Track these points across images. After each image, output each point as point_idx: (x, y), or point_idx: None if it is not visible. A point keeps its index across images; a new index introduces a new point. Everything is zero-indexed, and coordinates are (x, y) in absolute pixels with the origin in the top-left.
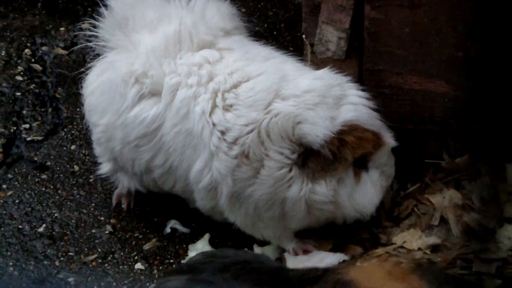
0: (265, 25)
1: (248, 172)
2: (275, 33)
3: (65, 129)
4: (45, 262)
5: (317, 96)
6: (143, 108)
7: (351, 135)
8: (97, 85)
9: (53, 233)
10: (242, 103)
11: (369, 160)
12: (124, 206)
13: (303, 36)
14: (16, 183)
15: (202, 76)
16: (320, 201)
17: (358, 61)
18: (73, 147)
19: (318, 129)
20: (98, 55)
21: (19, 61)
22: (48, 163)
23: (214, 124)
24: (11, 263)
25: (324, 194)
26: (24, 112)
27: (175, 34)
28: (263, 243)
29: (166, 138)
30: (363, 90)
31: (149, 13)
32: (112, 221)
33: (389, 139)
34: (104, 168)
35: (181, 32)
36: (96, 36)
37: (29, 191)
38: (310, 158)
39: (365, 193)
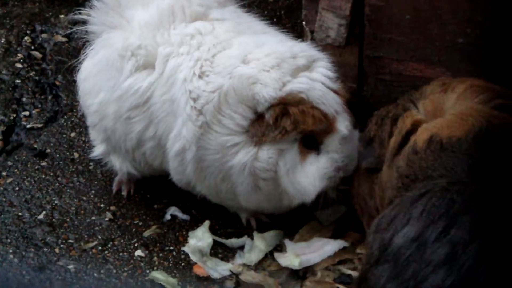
0: (265, 12)
1: (208, 140)
2: (275, 20)
3: (65, 117)
4: (45, 249)
5: (276, 58)
6: (137, 79)
7: (296, 107)
8: (93, 66)
9: (53, 220)
10: (213, 70)
11: (320, 143)
12: (124, 193)
13: (303, 23)
14: (16, 170)
15: (192, 46)
16: (261, 168)
17: (359, 48)
18: (73, 134)
19: (266, 90)
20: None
21: (18, 49)
22: (48, 151)
23: (190, 92)
24: (11, 251)
25: (264, 161)
26: (24, 99)
27: (168, 7)
28: (263, 229)
29: (155, 107)
30: (336, 73)
31: None
32: (112, 208)
33: (342, 127)
34: (98, 150)
35: (174, 5)
36: (90, 22)
37: (28, 179)
38: (255, 121)
39: (307, 174)
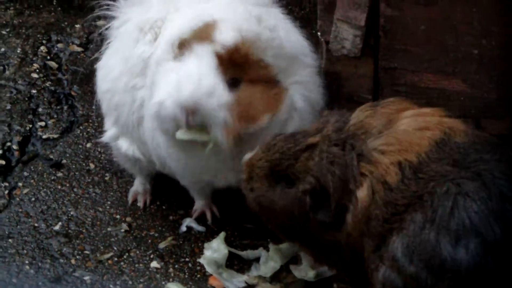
0: None
1: None
2: None
3: (81, 127)
4: (61, 261)
5: None
6: (147, 47)
7: None
8: (111, 49)
9: (69, 231)
10: None
11: None
12: (140, 204)
13: (319, 33)
14: (32, 181)
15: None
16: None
17: (374, 58)
18: (88, 145)
19: None
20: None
21: (34, 59)
22: (64, 161)
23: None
24: (27, 261)
25: None
26: (40, 109)
27: None
28: (278, 240)
29: (149, 72)
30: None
31: None
32: (128, 219)
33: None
34: (108, 134)
35: None
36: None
37: (45, 189)
38: None
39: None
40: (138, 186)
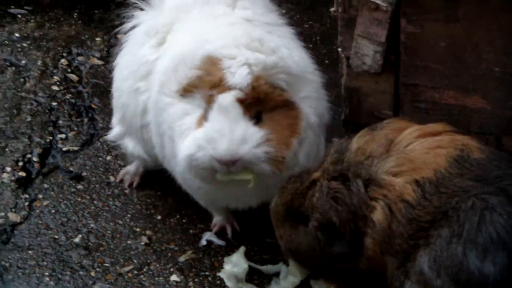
0: (301, 38)
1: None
2: (310, 46)
3: (101, 140)
4: (81, 273)
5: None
6: (151, 51)
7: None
8: (124, 48)
9: (89, 243)
10: None
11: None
12: (126, 184)
13: (339, 49)
14: (52, 193)
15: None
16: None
17: (394, 75)
18: (108, 157)
19: None
20: None
21: (55, 71)
22: (84, 174)
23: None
24: (47, 273)
25: None
26: (60, 122)
27: None
28: None
29: (153, 78)
30: None
31: None
32: (148, 232)
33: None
34: (113, 131)
35: None
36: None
37: (65, 201)
38: None
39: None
40: (131, 167)
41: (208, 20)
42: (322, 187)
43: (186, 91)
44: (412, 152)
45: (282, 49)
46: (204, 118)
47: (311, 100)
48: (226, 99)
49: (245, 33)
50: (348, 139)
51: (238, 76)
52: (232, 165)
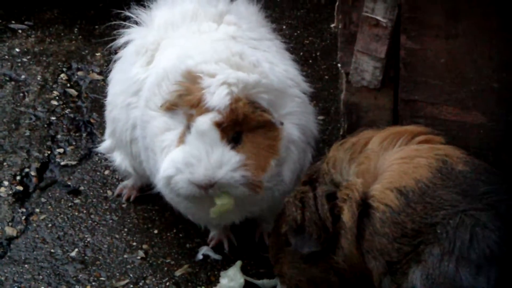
0: (301, 53)
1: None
2: (310, 61)
3: (99, 154)
4: (77, 287)
5: None
6: (142, 69)
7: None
8: (117, 64)
9: (85, 257)
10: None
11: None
12: (124, 198)
13: (339, 65)
14: (49, 207)
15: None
16: None
17: (394, 90)
18: (106, 172)
19: None
20: None
21: (54, 86)
22: (82, 188)
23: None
24: (43, 287)
25: None
26: (59, 136)
27: (192, 9)
28: None
29: (143, 95)
30: None
31: None
32: (144, 246)
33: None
34: (104, 144)
35: (197, 7)
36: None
37: (62, 215)
38: None
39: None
40: (129, 181)
41: (194, 36)
42: (293, 192)
43: (168, 108)
44: (386, 161)
45: (263, 64)
46: (184, 135)
47: (295, 116)
48: (204, 123)
49: (225, 48)
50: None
51: (217, 97)
52: (209, 188)
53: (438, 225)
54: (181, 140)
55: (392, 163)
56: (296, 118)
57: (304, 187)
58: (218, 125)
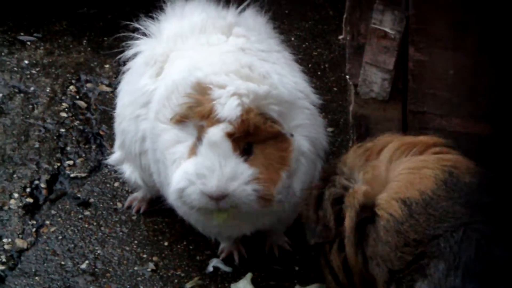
0: (309, 65)
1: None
2: (319, 73)
3: (109, 166)
4: None
5: None
6: (150, 81)
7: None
8: (126, 75)
9: (96, 269)
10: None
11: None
12: (134, 210)
13: (347, 76)
14: (59, 219)
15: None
16: None
17: (402, 102)
18: (116, 184)
19: None
20: None
21: (63, 98)
22: (91, 200)
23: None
24: None
25: None
26: (68, 148)
27: (200, 21)
28: (305, 281)
29: (152, 107)
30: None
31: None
32: (155, 258)
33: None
34: (114, 156)
35: (206, 20)
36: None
37: (72, 228)
38: None
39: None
40: (139, 193)
41: (203, 48)
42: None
43: (179, 121)
44: (394, 171)
45: (273, 75)
46: (195, 146)
47: (304, 128)
48: (216, 134)
49: (235, 59)
50: None
51: (228, 108)
52: (221, 199)
53: (441, 237)
54: (193, 152)
55: (400, 173)
56: (305, 130)
57: (318, 183)
58: (230, 136)
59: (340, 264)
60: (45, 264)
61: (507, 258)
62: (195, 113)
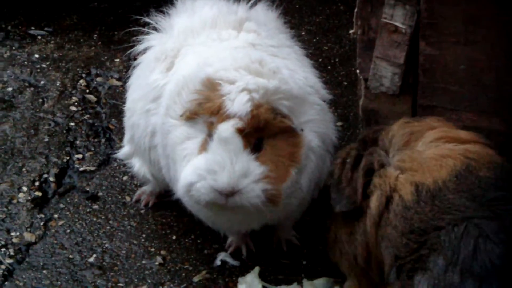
0: (320, 60)
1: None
2: (329, 67)
3: (117, 160)
4: None
5: None
6: (161, 76)
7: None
8: (137, 70)
9: (104, 263)
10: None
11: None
12: (142, 204)
13: (357, 71)
14: (67, 213)
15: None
16: None
17: (412, 97)
18: (125, 178)
19: None
20: None
21: (73, 92)
22: (100, 194)
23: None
24: None
25: None
26: (78, 142)
27: (211, 16)
28: (312, 275)
29: (162, 102)
30: None
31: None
32: (163, 252)
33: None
34: (123, 150)
35: (217, 15)
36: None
37: (80, 221)
38: None
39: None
40: (147, 187)
41: (214, 44)
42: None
43: (189, 117)
44: (422, 155)
45: (283, 71)
46: (206, 142)
47: (314, 124)
48: (226, 130)
49: (245, 55)
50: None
51: (237, 103)
52: (231, 196)
53: (443, 230)
54: (203, 148)
55: (427, 156)
56: (315, 126)
57: (356, 144)
58: (240, 131)
59: (365, 244)
60: (53, 258)
61: (503, 258)
62: (205, 109)
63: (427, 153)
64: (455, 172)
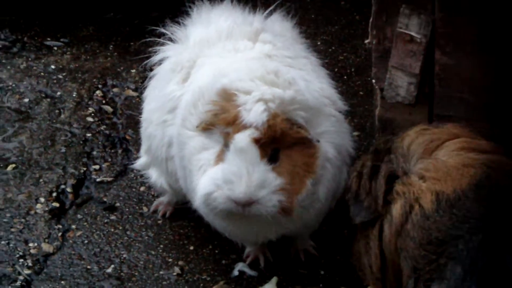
0: (336, 69)
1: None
2: (345, 77)
3: (135, 171)
4: None
5: None
6: (177, 87)
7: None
8: (153, 81)
9: (121, 274)
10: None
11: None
12: (159, 214)
13: (373, 81)
14: (85, 223)
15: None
16: None
17: (428, 106)
18: (142, 188)
19: None
20: None
21: (90, 102)
22: (117, 204)
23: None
24: None
25: None
26: (94, 153)
27: (227, 27)
28: (330, 285)
29: (179, 113)
30: None
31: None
32: (180, 263)
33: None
34: (140, 161)
35: (232, 25)
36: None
37: (98, 232)
38: None
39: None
40: (165, 197)
41: (229, 55)
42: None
43: (205, 128)
44: (445, 164)
45: (299, 82)
46: (222, 153)
47: (330, 135)
48: (243, 140)
49: (260, 66)
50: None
51: (254, 113)
52: (247, 206)
53: (461, 239)
54: (220, 158)
55: (450, 165)
56: (331, 137)
57: (369, 155)
58: (257, 141)
59: (378, 252)
60: (71, 269)
61: None
62: (220, 120)
63: (450, 162)
64: (475, 181)
